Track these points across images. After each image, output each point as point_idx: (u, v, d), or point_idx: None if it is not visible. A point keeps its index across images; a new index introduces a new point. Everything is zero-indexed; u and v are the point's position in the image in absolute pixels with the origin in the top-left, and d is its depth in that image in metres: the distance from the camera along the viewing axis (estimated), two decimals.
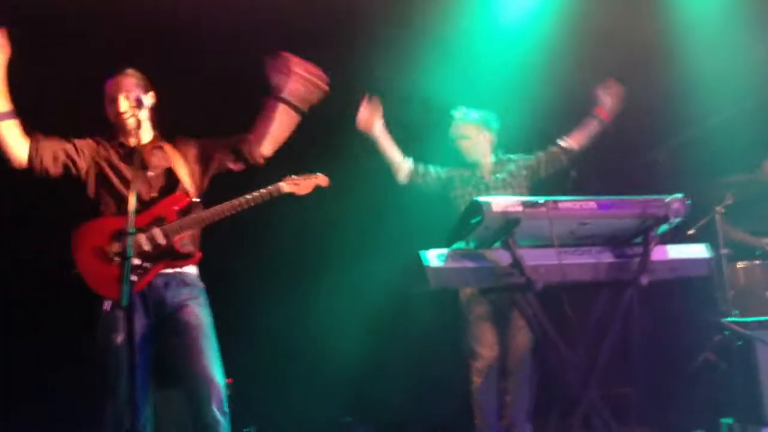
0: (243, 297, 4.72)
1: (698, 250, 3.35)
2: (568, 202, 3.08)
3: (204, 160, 3.25)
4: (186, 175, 3.17)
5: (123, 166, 3.11)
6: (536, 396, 4.21)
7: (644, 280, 3.08)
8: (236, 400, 3.01)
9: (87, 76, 3.37)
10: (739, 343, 4.04)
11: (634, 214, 3.14)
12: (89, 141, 3.18)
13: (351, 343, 4.70)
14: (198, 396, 2.93)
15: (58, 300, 4.35)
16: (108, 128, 3.20)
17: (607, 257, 3.19)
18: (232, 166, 3.27)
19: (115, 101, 3.11)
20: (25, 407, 4.46)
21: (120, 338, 2.82)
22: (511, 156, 4.32)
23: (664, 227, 3.16)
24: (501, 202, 3.00)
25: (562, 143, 4.22)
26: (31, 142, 3.04)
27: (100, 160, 3.13)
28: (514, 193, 4.16)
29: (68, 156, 3.11)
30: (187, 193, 3.14)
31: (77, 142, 3.16)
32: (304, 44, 3.25)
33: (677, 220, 3.15)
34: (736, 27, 4.90)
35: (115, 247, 2.96)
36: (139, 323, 2.94)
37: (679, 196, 3.16)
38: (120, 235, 2.93)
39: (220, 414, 2.93)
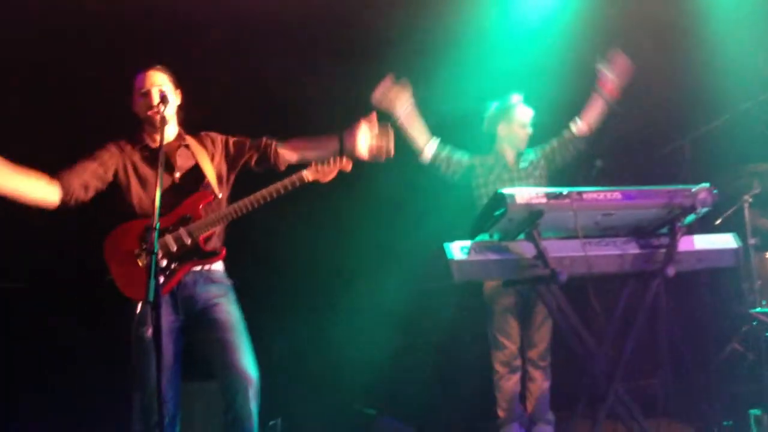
0: (268, 293, 4.74)
1: (725, 240, 3.32)
2: (592, 193, 3.05)
3: (232, 158, 3.27)
4: (211, 171, 3.18)
5: (148, 170, 3.13)
6: (562, 388, 4.20)
7: (671, 271, 3.06)
8: (261, 392, 3.03)
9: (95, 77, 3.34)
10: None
11: (660, 204, 3.11)
12: (112, 149, 3.16)
13: (374, 336, 4.71)
14: (234, 389, 2.97)
15: (58, 300, 4.44)
16: (132, 127, 3.19)
17: (633, 248, 3.18)
18: (254, 167, 3.30)
19: (147, 94, 3.11)
20: (25, 407, 4.46)
21: (150, 332, 2.84)
22: (528, 148, 4.30)
23: (691, 217, 3.13)
24: (524, 194, 2.98)
25: (573, 128, 4.17)
26: (59, 185, 3.01)
27: (125, 165, 3.13)
28: (537, 183, 4.15)
29: (97, 178, 3.10)
30: (212, 190, 3.15)
31: (100, 154, 3.13)
32: (322, 48, 3.21)
33: (704, 209, 3.12)
34: (764, 13, 4.81)
35: (142, 246, 2.99)
36: (167, 319, 2.97)
37: (706, 185, 3.13)
38: (146, 233, 2.95)
39: (254, 406, 2.98)
